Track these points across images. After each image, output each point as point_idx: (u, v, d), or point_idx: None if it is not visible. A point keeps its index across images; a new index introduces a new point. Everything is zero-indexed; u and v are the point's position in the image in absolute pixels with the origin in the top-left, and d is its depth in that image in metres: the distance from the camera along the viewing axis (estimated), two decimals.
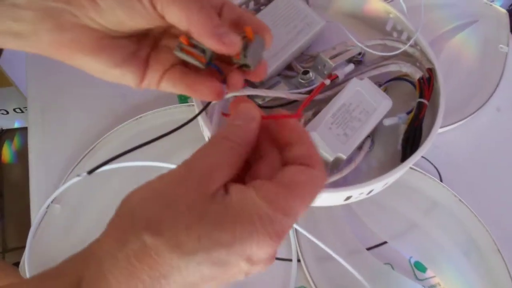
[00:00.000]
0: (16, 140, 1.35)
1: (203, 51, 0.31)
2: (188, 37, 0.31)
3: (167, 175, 0.26)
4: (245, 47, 0.31)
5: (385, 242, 0.53)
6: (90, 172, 0.27)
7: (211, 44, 0.30)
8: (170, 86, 0.34)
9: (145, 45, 0.34)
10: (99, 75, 0.32)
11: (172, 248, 0.23)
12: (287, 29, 0.52)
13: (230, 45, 0.30)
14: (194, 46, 0.31)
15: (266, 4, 0.54)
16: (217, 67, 0.33)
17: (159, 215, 0.24)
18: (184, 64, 0.34)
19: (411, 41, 0.52)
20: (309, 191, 0.27)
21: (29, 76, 0.64)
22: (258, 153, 0.30)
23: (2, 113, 1.28)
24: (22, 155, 1.33)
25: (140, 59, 0.33)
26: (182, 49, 0.32)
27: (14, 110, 1.26)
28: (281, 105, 0.50)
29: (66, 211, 0.54)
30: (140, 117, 0.58)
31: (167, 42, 0.35)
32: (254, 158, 0.29)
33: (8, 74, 1.10)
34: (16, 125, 1.34)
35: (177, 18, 0.30)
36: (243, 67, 0.33)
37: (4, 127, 1.36)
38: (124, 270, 0.23)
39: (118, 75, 0.32)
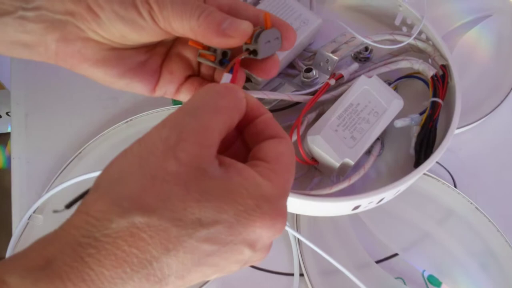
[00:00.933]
0: (10, 145, 1.31)
1: (214, 50, 0.31)
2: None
3: (149, 138, 0.23)
4: (259, 34, 0.29)
5: (396, 254, 0.49)
6: (69, 206, 0.24)
7: (218, 43, 0.29)
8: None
9: (157, 54, 0.33)
10: (107, 84, 0.32)
11: (167, 227, 0.21)
12: None
13: (237, 35, 0.28)
14: (209, 48, 0.31)
15: None
16: (228, 62, 0.32)
17: (146, 190, 0.21)
18: (201, 76, 0.34)
19: (417, 31, 0.47)
20: (292, 161, 0.26)
21: (14, 78, 0.60)
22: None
23: None
24: None
25: (149, 69, 0.33)
26: (200, 54, 0.31)
27: (7, 114, 1.22)
28: (285, 108, 0.46)
29: (49, 222, 0.49)
30: (131, 119, 0.55)
31: (179, 49, 0.34)
32: None
33: None
34: (10, 129, 1.30)
35: (181, 30, 0.29)
36: (251, 54, 0.30)
37: None
38: (109, 253, 0.20)
39: (126, 85, 0.32)
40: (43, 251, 0.21)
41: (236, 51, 0.30)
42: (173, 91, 0.34)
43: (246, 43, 0.29)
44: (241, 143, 0.28)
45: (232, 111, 0.25)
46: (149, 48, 0.33)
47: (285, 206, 0.25)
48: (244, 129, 0.27)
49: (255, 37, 0.29)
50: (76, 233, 0.21)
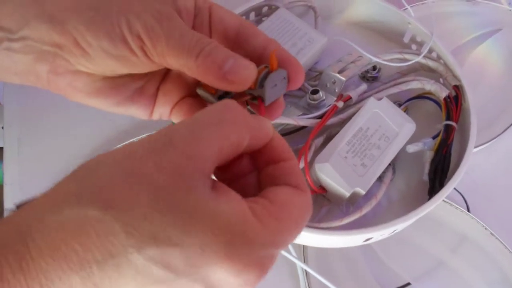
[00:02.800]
0: None
1: None
2: None
3: (140, 140, 0.21)
4: (264, 77, 0.26)
5: (408, 284, 0.47)
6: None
7: (218, 87, 0.26)
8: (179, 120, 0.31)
9: (154, 78, 0.30)
10: (105, 110, 0.30)
11: (117, 230, 0.18)
12: (285, 47, 0.45)
13: (239, 81, 0.25)
14: None
15: (268, 15, 0.47)
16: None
17: (113, 185, 0.19)
18: (195, 96, 0.30)
19: (426, 49, 0.45)
20: (302, 217, 0.22)
21: (7, 98, 0.58)
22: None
23: None
24: None
25: (147, 94, 0.30)
26: (201, 85, 0.28)
27: (2, 128, 1.20)
28: (290, 132, 0.43)
29: None
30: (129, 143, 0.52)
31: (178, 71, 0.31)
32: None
33: None
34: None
35: (178, 67, 0.26)
36: (255, 100, 0.27)
37: None
38: (52, 243, 0.18)
39: (123, 111, 0.30)
40: None
41: None
42: (167, 113, 0.31)
43: (249, 89, 0.26)
44: (254, 179, 0.25)
45: (238, 127, 0.21)
46: (145, 73, 0.30)
47: (269, 260, 0.21)
48: (263, 167, 0.24)
49: (260, 81, 0.26)
50: (30, 215, 0.19)
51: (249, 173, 0.25)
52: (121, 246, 0.18)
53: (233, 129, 0.21)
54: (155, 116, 0.31)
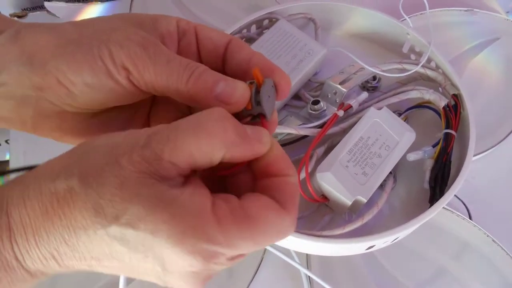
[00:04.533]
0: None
1: None
2: None
3: (131, 137, 0.22)
4: (256, 93, 0.25)
5: None
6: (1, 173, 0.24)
7: None
8: None
9: (143, 106, 0.30)
10: None
11: (89, 208, 0.20)
12: (286, 59, 0.46)
13: (233, 101, 0.25)
14: None
15: (269, 28, 0.48)
16: None
17: (95, 170, 0.21)
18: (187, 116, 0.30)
19: (425, 59, 0.46)
20: (268, 236, 0.22)
21: None
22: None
23: None
24: None
25: (137, 124, 0.30)
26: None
27: (6, 141, 1.21)
28: (292, 142, 0.44)
29: None
30: None
31: None
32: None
33: None
34: (8, 157, 1.29)
35: (167, 93, 0.25)
36: (255, 119, 0.26)
37: None
38: (42, 205, 0.21)
39: None
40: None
41: None
42: None
43: (246, 110, 0.25)
44: (249, 177, 0.25)
45: (213, 139, 0.22)
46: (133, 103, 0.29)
47: (215, 255, 0.21)
48: (259, 179, 0.24)
49: (254, 98, 0.25)
50: (30, 178, 0.22)
51: (244, 172, 0.25)
52: (91, 222, 0.20)
53: (207, 141, 0.22)
54: None
